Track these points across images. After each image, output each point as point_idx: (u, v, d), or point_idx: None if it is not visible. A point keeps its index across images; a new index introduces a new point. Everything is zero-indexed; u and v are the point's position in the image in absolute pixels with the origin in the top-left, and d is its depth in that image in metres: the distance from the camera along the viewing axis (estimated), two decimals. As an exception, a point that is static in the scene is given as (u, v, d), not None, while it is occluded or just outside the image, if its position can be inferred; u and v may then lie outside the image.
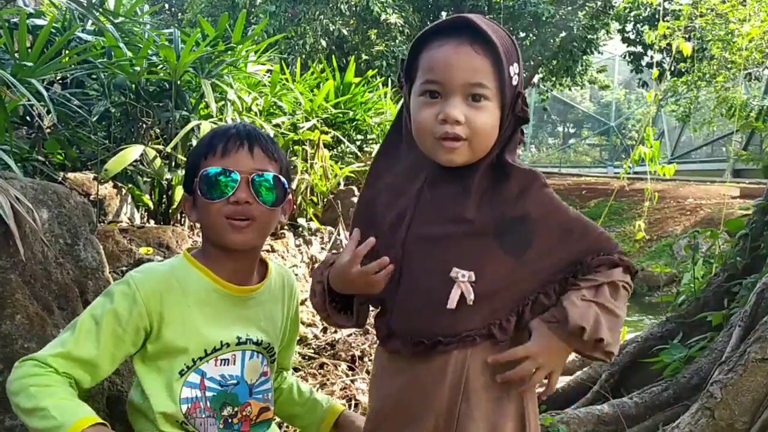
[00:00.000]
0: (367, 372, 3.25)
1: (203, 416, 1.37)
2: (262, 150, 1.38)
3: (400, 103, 1.36)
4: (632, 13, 16.87)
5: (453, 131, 1.17)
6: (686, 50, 4.71)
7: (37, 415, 1.21)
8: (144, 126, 4.20)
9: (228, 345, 1.39)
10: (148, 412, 1.36)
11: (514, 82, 1.21)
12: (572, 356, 1.48)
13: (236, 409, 1.41)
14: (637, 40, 17.48)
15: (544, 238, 1.22)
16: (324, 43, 13.86)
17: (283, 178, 1.41)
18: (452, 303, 1.18)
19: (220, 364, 1.39)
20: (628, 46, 18.21)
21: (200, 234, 4.34)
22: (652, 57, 17.47)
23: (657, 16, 15.13)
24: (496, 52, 1.17)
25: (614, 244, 1.30)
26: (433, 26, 1.23)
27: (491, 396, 1.23)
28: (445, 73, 1.18)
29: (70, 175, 3.70)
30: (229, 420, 1.40)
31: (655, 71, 5.52)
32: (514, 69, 1.21)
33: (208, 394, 1.38)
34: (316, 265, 1.36)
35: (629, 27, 17.65)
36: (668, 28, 7.24)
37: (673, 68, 12.68)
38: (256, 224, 1.37)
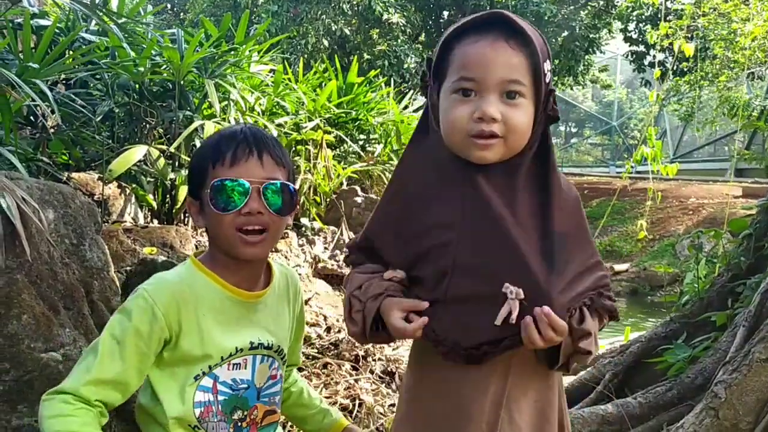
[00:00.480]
0: (371, 371, 3.25)
1: (215, 420, 1.37)
2: (271, 157, 1.36)
3: (423, 103, 1.33)
4: (634, 13, 16.86)
5: (489, 129, 1.14)
6: (688, 51, 4.70)
7: None
8: (147, 126, 4.21)
9: (242, 350, 1.39)
10: (160, 417, 1.35)
11: (548, 80, 1.19)
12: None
13: (245, 412, 1.41)
14: (640, 39, 17.48)
15: (576, 263, 1.22)
16: (326, 42, 13.86)
17: (291, 185, 1.39)
18: (499, 320, 1.15)
19: (232, 369, 1.38)
20: (630, 46, 18.20)
21: (203, 234, 4.35)
22: (654, 56, 17.47)
23: (659, 16, 15.13)
24: (533, 49, 1.15)
25: (609, 284, 1.31)
26: (465, 22, 1.19)
27: (532, 403, 1.23)
28: (481, 70, 1.15)
29: (75, 175, 3.71)
30: (239, 423, 1.40)
31: (657, 71, 5.52)
32: (547, 66, 1.19)
33: (220, 398, 1.38)
34: (351, 290, 1.29)
35: (631, 26, 17.65)
36: (670, 27, 7.23)
37: (675, 68, 12.66)
38: (268, 235, 1.36)
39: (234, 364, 1.38)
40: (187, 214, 4.29)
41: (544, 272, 1.16)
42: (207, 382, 1.36)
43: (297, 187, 1.45)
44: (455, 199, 1.21)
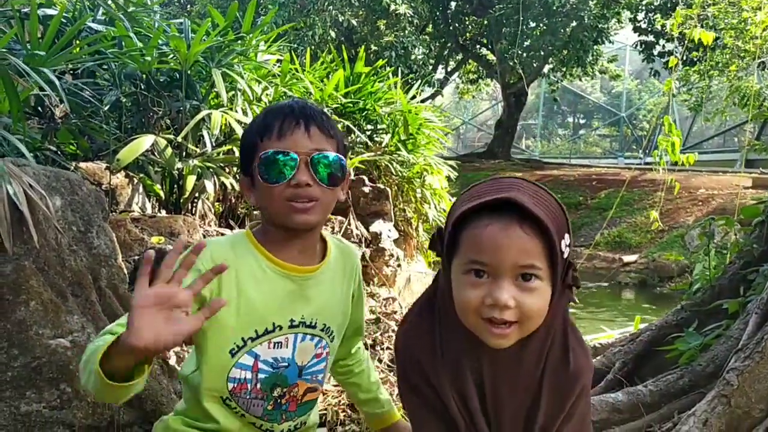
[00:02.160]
0: (379, 360, 3.25)
1: (248, 397, 1.39)
2: (318, 129, 1.35)
3: (434, 275, 1.28)
4: (644, 2, 16.74)
5: (502, 317, 1.10)
6: (706, 38, 4.60)
7: (86, 371, 1.18)
8: (155, 116, 4.20)
9: (281, 328, 1.39)
10: (194, 387, 1.38)
11: (565, 255, 1.15)
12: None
13: (285, 389, 1.42)
14: (649, 29, 17.36)
15: None
16: (333, 33, 13.82)
17: (341, 156, 1.38)
18: None
19: (273, 347, 1.39)
20: (639, 36, 18.08)
21: (210, 224, 4.35)
22: (663, 46, 17.35)
23: (669, 5, 15.02)
24: (548, 232, 1.10)
25: None
26: (476, 204, 1.14)
27: None
28: (494, 255, 1.10)
29: (82, 164, 3.70)
30: (279, 400, 1.42)
31: (673, 59, 5.43)
32: (565, 242, 1.14)
33: (261, 376, 1.39)
34: None
35: (641, 16, 17.52)
36: (685, 16, 7.16)
37: (685, 57, 12.57)
38: (318, 204, 1.35)
39: (275, 343, 1.38)
40: (194, 204, 4.28)
41: None
42: (247, 360, 1.36)
43: (348, 159, 1.43)
44: (474, 379, 1.23)
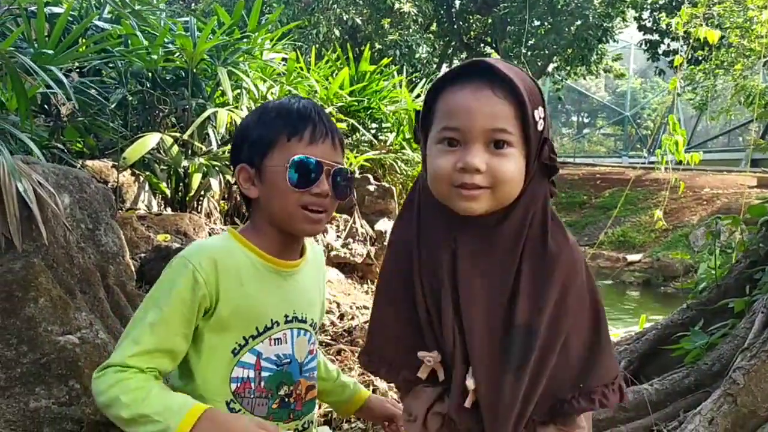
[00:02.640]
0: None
1: (252, 396, 1.37)
2: (340, 142, 1.40)
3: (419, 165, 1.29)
4: (649, 1, 16.71)
5: (472, 181, 1.07)
6: (712, 37, 4.58)
7: (141, 422, 1.20)
8: (161, 114, 4.22)
9: (278, 323, 1.39)
10: (192, 393, 1.33)
11: (540, 127, 1.11)
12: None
13: (291, 387, 1.42)
14: (654, 27, 17.32)
15: (575, 346, 1.13)
16: (337, 32, 13.82)
17: (352, 171, 1.44)
18: (422, 373, 1.14)
19: (274, 344, 1.39)
20: (644, 34, 18.04)
21: (216, 222, 4.36)
22: (668, 45, 17.31)
23: (674, 3, 14.99)
24: (519, 96, 1.08)
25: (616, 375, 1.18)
26: (450, 71, 1.14)
27: None
28: (465, 119, 1.08)
29: (89, 162, 3.72)
30: (286, 399, 1.41)
31: (678, 57, 5.41)
32: (539, 113, 1.11)
33: (264, 374, 1.38)
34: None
35: (646, 14, 17.49)
36: (687, 15, 7.14)
37: (690, 56, 12.54)
38: (326, 216, 1.38)
39: (275, 339, 1.38)
40: (199, 202, 4.29)
41: (495, 373, 1.10)
42: (249, 358, 1.36)
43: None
44: (447, 267, 1.14)
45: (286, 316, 1.40)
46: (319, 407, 2.08)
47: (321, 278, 1.57)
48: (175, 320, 1.28)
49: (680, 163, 4.58)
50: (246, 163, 1.38)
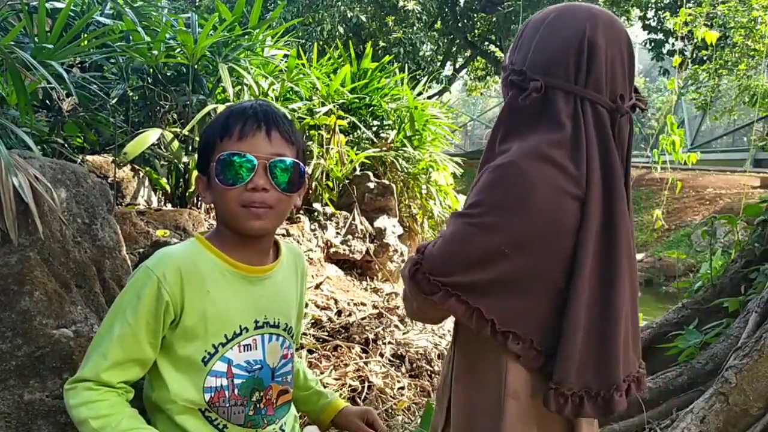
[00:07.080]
0: (381, 355, 3.26)
1: (227, 405, 1.35)
2: (279, 133, 1.33)
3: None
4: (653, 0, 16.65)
5: None
6: (710, 38, 4.58)
7: None
8: (161, 110, 4.22)
9: (247, 330, 1.38)
10: (166, 404, 1.34)
11: None
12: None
13: (262, 393, 1.40)
14: (658, 27, 17.26)
15: None
16: (341, 29, 13.82)
17: (300, 163, 1.36)
18: None
19: (244, 350, 1.37)
20: (648, 33, 17.98)
21: (216, 217, 4.37)
22: (673, 44, 17.25)
23: (679, 2, 14.93)
24: None
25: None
26: None
27: None
28: None
29: (89, 157, 3.74)
30: (258, 405, 1.40)
31: (677, 58, 5.41)
32: None
33: (237, 381, 1.36)
34: None
35: (650, 14, 17.42)
36: (689, 15, 7.12)
37: (694, 56, 12.50)
38: (273, 211, 1.33)
39: (244, 346, 1.37)
40: (200, 198, 4.31)
41: None
42: (220, 366, 1.35)
43: (309, 169, 1.43)
44: None
45: (256, 322, 1.39)
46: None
47: (299, 281, 1.54)
48: (141, 331, 1.29)
49: (681, 163, 4.58)
50: (200, 172, 1.40)
